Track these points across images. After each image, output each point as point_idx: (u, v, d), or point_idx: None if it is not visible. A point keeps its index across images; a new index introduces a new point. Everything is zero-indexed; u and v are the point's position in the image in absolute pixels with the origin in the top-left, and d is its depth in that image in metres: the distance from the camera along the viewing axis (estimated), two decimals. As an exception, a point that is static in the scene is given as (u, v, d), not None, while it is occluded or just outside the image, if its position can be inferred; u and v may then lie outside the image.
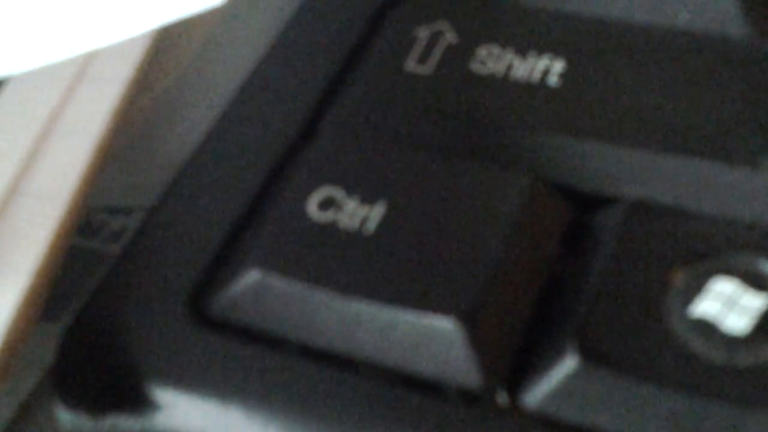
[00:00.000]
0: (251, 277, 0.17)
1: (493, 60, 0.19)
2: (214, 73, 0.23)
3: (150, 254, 0.18)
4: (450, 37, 0.20)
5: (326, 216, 0.17)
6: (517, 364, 0.16)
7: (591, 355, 0.15)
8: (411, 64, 0.19)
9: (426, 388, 0.16)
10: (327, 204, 0.17)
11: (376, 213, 0.17)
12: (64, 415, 0.17)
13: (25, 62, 0.20)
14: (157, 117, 0.22)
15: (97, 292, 0.17)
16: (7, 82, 0.20)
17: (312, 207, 0.17)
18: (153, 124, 0.22)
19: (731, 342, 0.15)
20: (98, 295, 0.17)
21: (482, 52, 0.19)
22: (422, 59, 0.19)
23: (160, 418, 0.16)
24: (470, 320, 0.15)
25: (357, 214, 0.17)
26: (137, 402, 0.16)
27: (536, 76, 0.19)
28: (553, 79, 0.19)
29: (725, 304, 0.15)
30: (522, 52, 0.19)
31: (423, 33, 0.20)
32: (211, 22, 0.23)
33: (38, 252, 0.17)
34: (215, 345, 0.16)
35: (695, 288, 0.16)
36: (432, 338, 0.16)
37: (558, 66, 0.19)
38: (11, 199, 0.18)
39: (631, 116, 0.18)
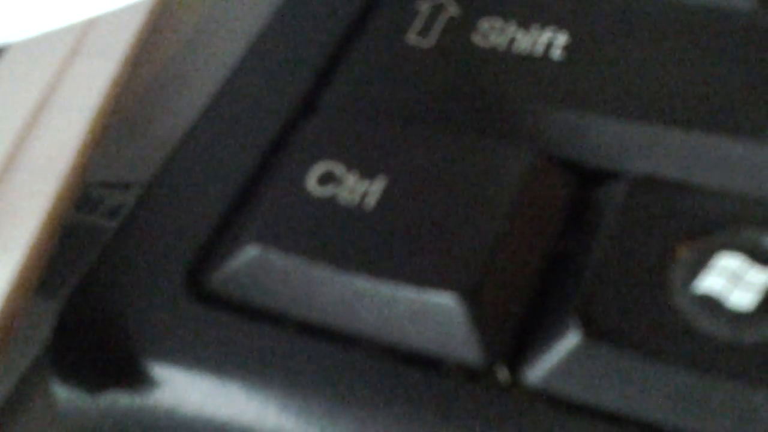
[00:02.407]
0: (250, 252, 0.16)
1: (496, 33, 0.19)
2: (213, 47, 0.22)
3: (148, 229, 0.17)
4: (451, 9, 0.19)
5: (326, 191, 0.17)
6: (519, 340, 0.15)
7: (594, 332, 0.15)
8: (412, 37, 0.19)
9: (427, 364, 0.15)
10: (327, 179, 0.17)
11: (376, 188, 0.17)
12: (61, 392, 0.16)
13: (21, 30, 0.20)
14: (155, 91, 0.22)
15: (95, 267, 0.17)
16: (2, 55, 0.20)
17: (311, 182, 0.17)
18: (152, 98, 0.22)
19: (736, 318, 0.15)
20: (95, 271, 0.17)
21: (484, 24, 0.19)
22: (423, 32, 0.19)
23: (158, 395, 0.16)
24: (471, 296, 0.15)
25: (357, 189, 0.17)
26: (135, 378, 0.16)
27: (539, 49, 0.18)
28: (556, 53, 0.18)
29: (730, 280, 0.15)
30: (525, 24, 0.19)
31: (424, 5, 0.20)
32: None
33: (34, 227, 0.17)
34: (214, 321, 0.16)
35: (700, 263, 0.15)
36: (433, 314, 0.15)
37: (561, 39, 0.18)
38: (7, 173, 0.17)
39: (636, 90, 0.17)
